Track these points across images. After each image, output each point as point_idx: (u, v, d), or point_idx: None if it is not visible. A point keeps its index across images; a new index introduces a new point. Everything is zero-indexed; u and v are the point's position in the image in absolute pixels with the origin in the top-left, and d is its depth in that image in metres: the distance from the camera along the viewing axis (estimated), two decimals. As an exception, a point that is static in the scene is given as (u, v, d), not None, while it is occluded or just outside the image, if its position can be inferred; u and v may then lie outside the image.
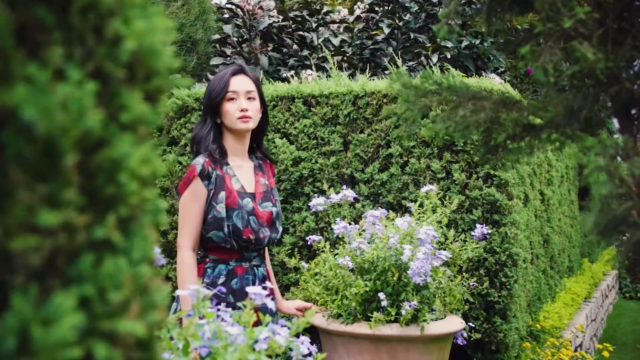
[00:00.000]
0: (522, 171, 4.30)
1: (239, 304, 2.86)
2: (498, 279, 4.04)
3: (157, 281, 0.91)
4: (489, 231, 3.69)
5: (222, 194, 2.90)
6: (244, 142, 3.05)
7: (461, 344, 3.56)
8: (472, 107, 1.74)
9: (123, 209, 0.84)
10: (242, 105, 2.94)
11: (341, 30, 5.32)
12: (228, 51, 5.08)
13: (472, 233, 3.64)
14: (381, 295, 3.10)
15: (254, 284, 2.94)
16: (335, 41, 5.20)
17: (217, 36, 5.15)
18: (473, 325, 3.94)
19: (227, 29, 4.99)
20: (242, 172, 3.04)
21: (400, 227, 3.32)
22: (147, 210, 0.92)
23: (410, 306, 3.08)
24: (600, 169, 1.37)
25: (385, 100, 4.23)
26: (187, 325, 1.74)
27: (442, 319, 3.28)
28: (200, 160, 2.91)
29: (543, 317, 5.11)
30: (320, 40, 5.24)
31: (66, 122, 0.75)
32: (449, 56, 4.86)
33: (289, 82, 4.59)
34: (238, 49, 5.06)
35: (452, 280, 3.42)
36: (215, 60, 4.94)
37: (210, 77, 4.86)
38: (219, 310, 1.89)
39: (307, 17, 5.16)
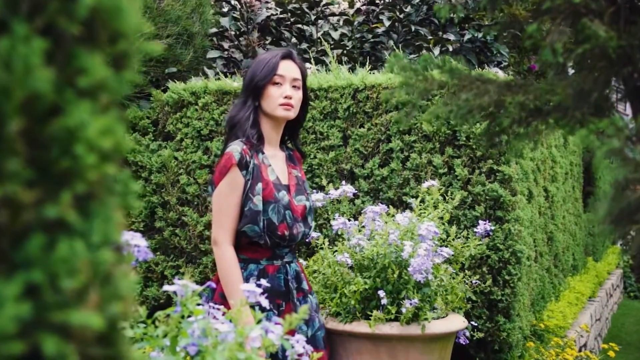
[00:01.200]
0: (525, 166, 4.21)
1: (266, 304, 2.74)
2: (501, 276, 3.94)
3: (123, 269, 0.81)
4: (492, 228, 3.59)
5: (259, 186, 2.71)
6: (279, 131, 2.88)
7: (463, 343, 3.47)
8: (475, 91, 1.64)
9: (80, 185, 0.74)
10: (287, 91, 2.77)
11: (341, 23, 5.22)
12: (225, 45, 4.98)
13: (475, 230, 3.54)
14: (381, 293, 3.02)
15: (286, 283, 2.79)
16: (335, 35, 5.10)
17: (214, 29, 5.05)
18: (476, 324, 3.85)
19: (224, 21, 4.89)
20: (276, 161, 2.87)
21: (401, 223, 3.24)
22: (113, 191, 0.82)
23: (410, 304, 2.99)
24: (614, 153, 1.26)
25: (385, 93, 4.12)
26: (173, 321, 1.64)
27: (443, 317, 3.20)
28: (237, 148, 2.71)
29: (547, 316, 5.01)
30: (319, 34, 5.14)
31: (8, 81, 0.65)
32: (451, 49, 4.76)
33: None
34: (235, 43, 4.96)
35: (453, 278, 3.33)
36: (212, 54, 4.84)
37: (207, 71, 4.76)
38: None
39: (306, 10, 5.06)
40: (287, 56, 2.84)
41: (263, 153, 2.80)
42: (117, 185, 0.83)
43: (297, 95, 2.82)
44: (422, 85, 1.66)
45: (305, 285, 2.89)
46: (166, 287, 1.73)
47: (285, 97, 2.76)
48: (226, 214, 2.69)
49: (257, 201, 2.68)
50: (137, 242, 1.79)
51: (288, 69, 2.81)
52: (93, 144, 0.74)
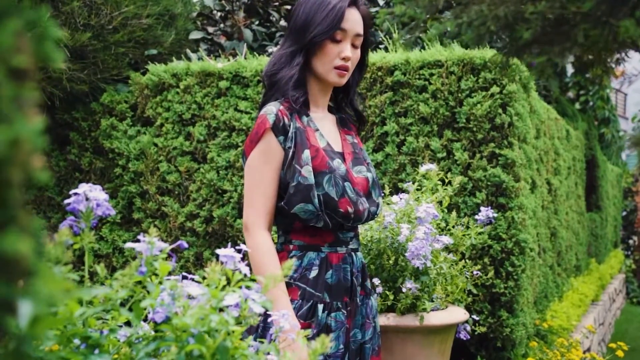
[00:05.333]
0: (529, 152, 3.94)
1: (337, 304, 2.21)
2: (504, 268, 3.67)
3: (20, 103, 0.53)
4: (495, 214, 3.31)
5: (307, 153, 2.14)
6: (328, 92, 2.32)
7: (464, 338, 3.22)
8: (489, 1, 1.36)
9: None
10: (346, 52, 2.18)
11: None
12: (210, 29, 4.72)
13: (476, 217, 3.28)
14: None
15: (352, 277, 2.25)
16: (326, 19, 4.83)
17: (196, 12, 4.78)
18: (477, 319, 3.57)
19: (208, 1, 4.63)
20: (324, 124, 2.30)
21: (397, 205, 2.98)
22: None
23: (409, 288, 2.74)
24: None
25: (380, 73, 3.87)
26: (126, 276, 1.36)
27: (443, 309, 2.94)
28: (272, 109, 2.14)
29: (550, 316, 4.74)
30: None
31: None
32: (449, 29, 4.49)
33: (275, 57, 4.22)
34: (221, 26, 4.70)
35: (452, 267, 3.06)
36: (195, 34, 4.57)
37: (191, 54, 4.48)
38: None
39: (296, -11, 4.80)
40: (354, 2, 2.22)
41: (308, 115, 2.25)
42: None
43: (356, 56, 2.25)
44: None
45: (369, 283, 2.36)
46: (129, 244, 1.43)
47: (343, 59, 2.19)
48: (259, 190, 2.13)
49: (307, 172, 2.12)
50: (95, 195, 1.49)
51: (353, 21, 2.20)
52: None
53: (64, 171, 4.45)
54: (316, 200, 2.12)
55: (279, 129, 2.13)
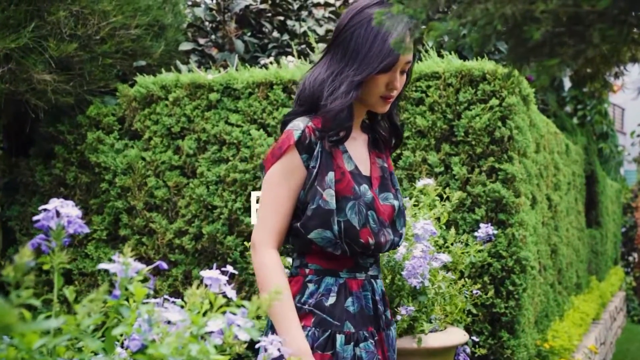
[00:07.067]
0: (529, 167, 3.81)
1: (364, 334, 2.04)
2: (504, 287, 3.53)
3: None
4: (495, 231, 3.18)
5: (331, 176, 1.99)
6: (363, 111, 2.15)
7: (463, 361, 3.07)
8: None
9: None
10: (396, 83, 2.03)
11: (326, 14, 4.83)
12: (201, 41, 4.60)
13: (476, 234, 3.15)
14: None
15: (374, 305, 2.10)
16: (321, 31, 4.73)
17: (187, 23, 4.66)
18: (477, 340, 3.43)
19: (199, 11, 4.52)
20: (355, 146, 2.12)
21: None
22: None
23: (406, 311, 2.60)
24: None
25: (375, 85, 3.74)
26: (95, 301, 1.23)
27: (442, 330, 2.81)
28: (299, 125, 2.00)
29: (552, 336, 4.61)
30: (302, 30, 4.76)
31: None
32: (446, 39, 4.38)
33: (267, 68, 4.11)
34: (212, 37, 4.58)
35: (451, 286, 2.93)
36: (185, 46, 4.45)
37: (181, 66, 4.35)
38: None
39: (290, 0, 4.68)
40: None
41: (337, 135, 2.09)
42: None
43: (402, 82, 2.08)
44: (426, -4, 1.27)
45: (388, 313, 2.20)
46: (102, 265, 1.29)
47: (390, 88, 2.04)
48: (272, 207, 2.00)
49: (329, 196, 1.97)
50: (67, 212, 1.35)
51: (408, 48, 2.02)
52: None
53: (49, 186, 4.31)
54: (336, 227, 1.98)
55: (304, 147, 1.99)
